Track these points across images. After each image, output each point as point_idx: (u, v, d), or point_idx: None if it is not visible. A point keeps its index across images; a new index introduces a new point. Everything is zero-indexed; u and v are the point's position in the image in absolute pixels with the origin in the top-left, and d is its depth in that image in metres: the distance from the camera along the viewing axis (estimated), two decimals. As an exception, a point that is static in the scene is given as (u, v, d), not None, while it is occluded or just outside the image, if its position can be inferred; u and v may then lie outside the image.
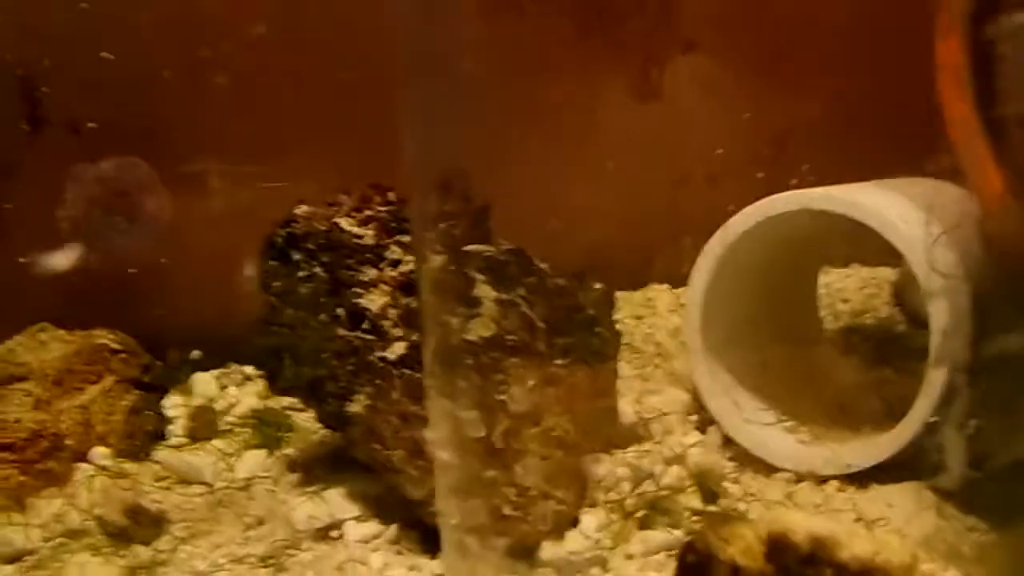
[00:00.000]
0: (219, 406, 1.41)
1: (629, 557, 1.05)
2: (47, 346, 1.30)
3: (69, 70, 1.38)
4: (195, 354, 1.49)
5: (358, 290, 1.15)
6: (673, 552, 1.00)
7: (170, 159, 1.41)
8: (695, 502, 1.11)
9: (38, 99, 1.39)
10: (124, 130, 1.39)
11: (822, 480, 1.15)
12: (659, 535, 1.06)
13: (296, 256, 1.18)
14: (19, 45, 1.37)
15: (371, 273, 1.15)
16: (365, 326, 1.14)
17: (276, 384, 1.19)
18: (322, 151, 1.38)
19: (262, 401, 1.40)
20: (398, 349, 1.12)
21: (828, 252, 1.53)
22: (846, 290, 1.66)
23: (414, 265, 1.13)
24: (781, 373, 1.28)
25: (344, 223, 1.17)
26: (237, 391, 1.45)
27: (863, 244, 1.37)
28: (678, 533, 1.05)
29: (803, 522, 0.73)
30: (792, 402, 1.25)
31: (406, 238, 1.15)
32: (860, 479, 1.13)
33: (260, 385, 1.41)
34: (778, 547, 0.72)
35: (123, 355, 1.34)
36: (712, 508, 1.10)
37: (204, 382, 1.46)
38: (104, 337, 1.34)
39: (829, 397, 1.31)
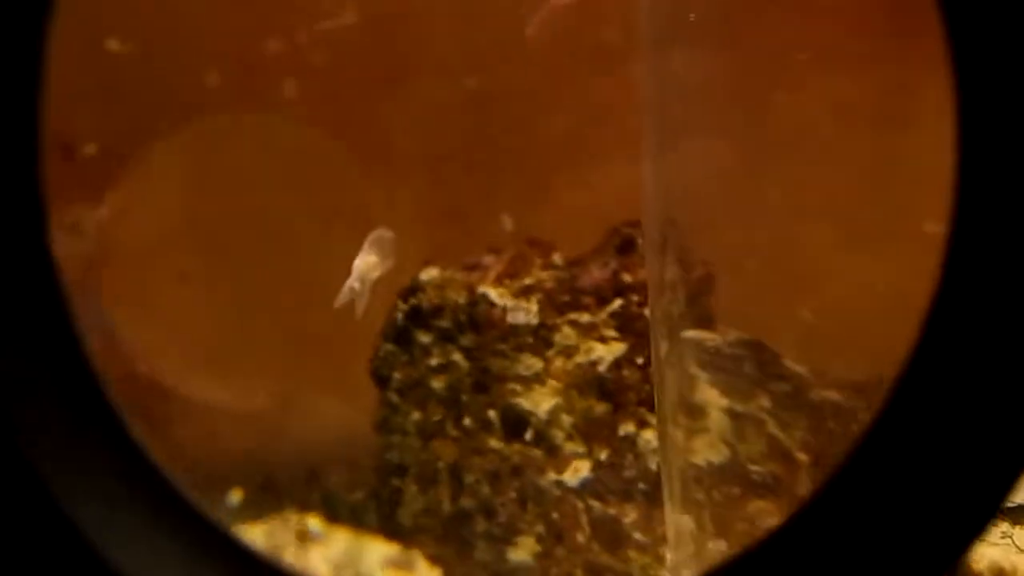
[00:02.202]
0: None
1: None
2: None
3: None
4: (234, 497, 0.87)
5: (515, 386, 0.84)
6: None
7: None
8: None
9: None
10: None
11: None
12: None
13: (424, 339, 0.87)
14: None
15: (534, 364, 0.84)
16: (528, 436, 0.83)
17: (395, 520, 0.87)
18: (442, 186, 0.93)
19: (340, 570, 0.85)
20: (580, 470, 0.81)
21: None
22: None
23: (604, 353, 0.83)
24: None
25: (493, 294, 0.86)
26: (297, 556, 0.86)
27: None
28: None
29: (985, 552, 0.77)
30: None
31: (584, 317, 0.84)
32: (1012, 515, 1.09)
33: (336, 545, 0.88)
34: (954, 576, 0.75)
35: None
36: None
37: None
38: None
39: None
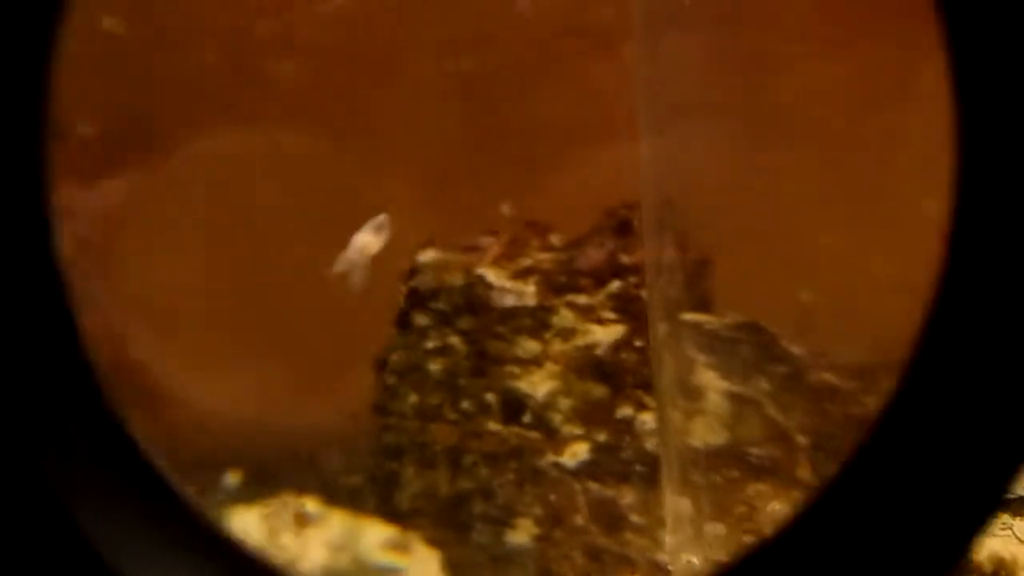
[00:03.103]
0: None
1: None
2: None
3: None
4: (232, 479, 0.87)
5: (514, 369, 0.84)
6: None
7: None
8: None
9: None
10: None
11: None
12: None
13: (422, 321, 0.87)
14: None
15: (532, 347, 0.84)
16: (526, 419, 0.84)
17: (392, 503, 0.87)
18: (441, 168, 0.91)
19: (337, 552, 0.83)
20: (578, 453, 0.81)
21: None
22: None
23: (602, 336, 0.83)
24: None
25: (491, 275, 0.86)
26: (294, 539, 0.85)
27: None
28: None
29: (986, 543, 0.77)
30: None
31: (581, 299, 0.84)
32: (1012, 506, 1.09)
33: (334, 528, 0.85)
34: (961, 567, 0.70)
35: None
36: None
37: (244, 525, 0.84)
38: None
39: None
